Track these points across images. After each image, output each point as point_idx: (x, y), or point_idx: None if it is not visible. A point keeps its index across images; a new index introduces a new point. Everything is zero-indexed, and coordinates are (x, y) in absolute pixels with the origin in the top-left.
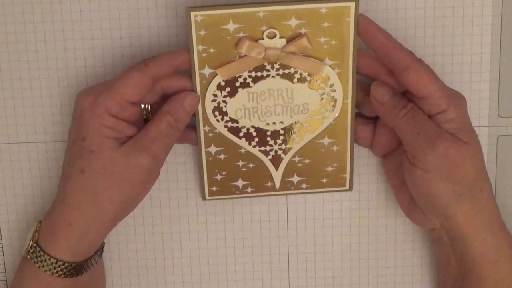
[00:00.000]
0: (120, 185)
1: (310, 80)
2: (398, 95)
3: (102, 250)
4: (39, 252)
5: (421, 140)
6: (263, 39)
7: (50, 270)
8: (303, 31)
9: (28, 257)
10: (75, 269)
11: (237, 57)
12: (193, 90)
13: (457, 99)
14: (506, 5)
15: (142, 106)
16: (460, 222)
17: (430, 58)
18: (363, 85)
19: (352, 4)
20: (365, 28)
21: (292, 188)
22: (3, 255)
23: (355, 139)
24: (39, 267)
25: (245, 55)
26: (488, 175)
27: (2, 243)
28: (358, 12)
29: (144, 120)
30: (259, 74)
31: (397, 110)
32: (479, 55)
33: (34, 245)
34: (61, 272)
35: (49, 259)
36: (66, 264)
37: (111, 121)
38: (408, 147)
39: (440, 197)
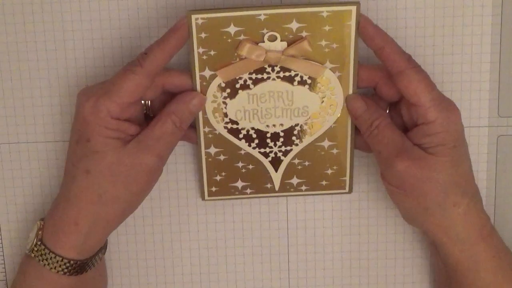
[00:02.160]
0: (125, 184)
1: (310, 83)
2: (371, 109)
3: (106, 247)
4: (44, 250)
5: (382, 158)
6: (263, 42)
7: (55, 268)
8: (304, 34)
9: (33, 255)
10: (80, 267)
11: (238, 60)
12: (193, 87)
13: (449, 113)
14: (506, 5)
15: (142, 101)
16: (434, 232)
17: (430, 58)
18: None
19: (353, 8)
20: (364, 29)
21: (292, 190)
22: (3, 255)
23: (356, 146)
24: (44, 265)
25: (245, 58)
26: (471, 188)
27: (2, 243)
28: (359, 16)
29: (145, 115)
30: (259, 76)
31: (365, 127)
32: (479, 55)
33: (39, 243)
34: (66, 270)
35: (55, 257)
36: (72, 262)
37: (114, 123)
38: (376, 161)
39: (408, 208)
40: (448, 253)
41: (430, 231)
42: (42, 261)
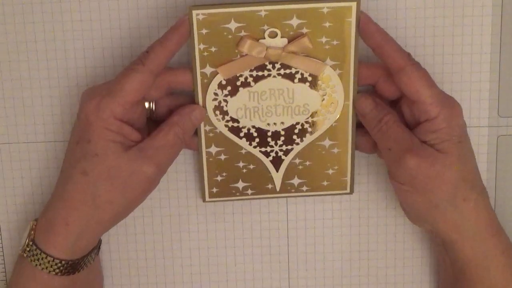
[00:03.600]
0: (121, 190)
1: (311, 81)
2: (379, 108)
3: (99, 247)
4: (35, 250)
5: (392, 155)
6: (264, 38)
7: (47, 268)
8: (304, 31)
9: (25, 255)
10: (72, 267)
11: (239, 56)
12: (194, 85)
13: (450, 108)
14: (506, 5)
15: (147, 105)
16: (444, 229)
17: (430, 58)
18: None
19: (354, 4)
20: (364, 26)
21: (293, 190)
22: (3, 255)
23: (357, 146)
24: (36, 265)
25: (246, 54)
26: (479, 184)
27: (2, 243)
28: (359, 13)
29: (148, 120)
30: (260, 73)
31: (373, 124)
32: (479, 55)
33: (31, 243)
34: (58, 270)
35: (46, 258)
36: (63, 262)
37: (116, 125)
38: (384, 159)
39: (418, 207)
40: (459, 251)
41: (441, 229)
42: (34, 261)
